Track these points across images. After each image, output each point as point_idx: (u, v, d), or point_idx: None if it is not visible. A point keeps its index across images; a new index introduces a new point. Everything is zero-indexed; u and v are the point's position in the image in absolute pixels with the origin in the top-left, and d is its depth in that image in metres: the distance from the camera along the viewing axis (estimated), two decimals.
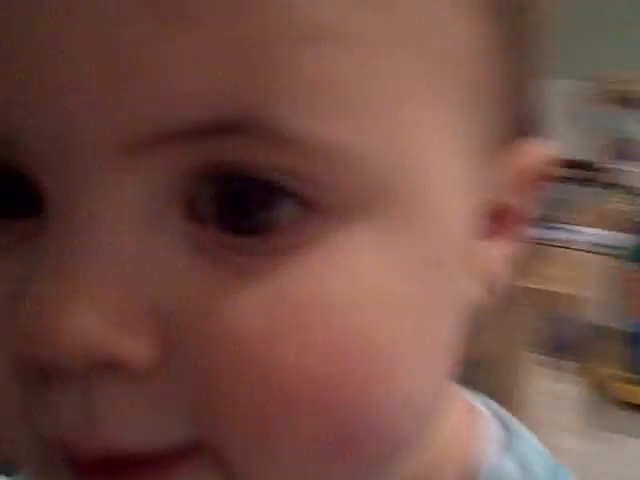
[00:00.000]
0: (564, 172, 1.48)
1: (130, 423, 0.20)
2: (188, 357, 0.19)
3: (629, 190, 2.36)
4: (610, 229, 2.11)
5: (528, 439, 0.31)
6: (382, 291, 0.20)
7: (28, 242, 0.21)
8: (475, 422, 0.30)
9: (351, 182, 0.19)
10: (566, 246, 1.89)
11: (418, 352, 0.21)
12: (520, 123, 0.25)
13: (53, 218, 0.20)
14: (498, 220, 0.25)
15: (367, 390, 0.20)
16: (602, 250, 2.04)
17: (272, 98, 0.18)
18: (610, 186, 2.43)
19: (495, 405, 0.31)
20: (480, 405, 0.31)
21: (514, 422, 0.31)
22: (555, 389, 1.47)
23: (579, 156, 2.26)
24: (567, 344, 1.70)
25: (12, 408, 0.21)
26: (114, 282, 0.19)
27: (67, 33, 0.18)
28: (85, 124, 0.18)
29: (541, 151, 0.25)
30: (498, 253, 0.25)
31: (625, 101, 2.57)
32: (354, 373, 0.20)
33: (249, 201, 0.19)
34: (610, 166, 2.55)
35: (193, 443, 0.20)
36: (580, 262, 1.92)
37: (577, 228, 2.08)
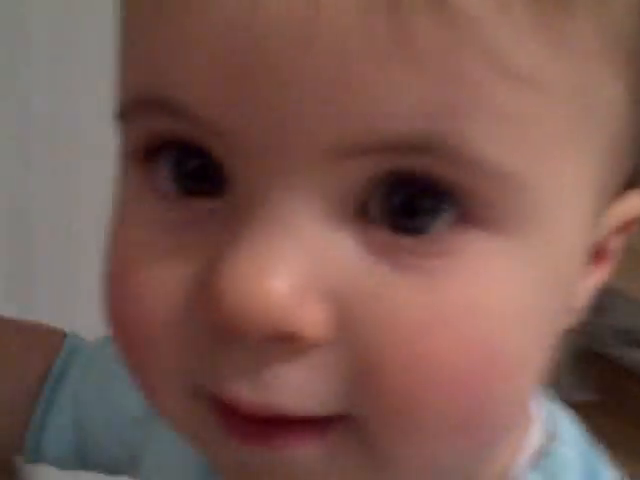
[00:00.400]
0: None
1: (293, 389, 0.23)
2: (356, 335, 0.23)
3: None
4: None
5: (565, 457, 0.31)
6: (517, 302, 0.24)
7: (213, 219, 0.24)
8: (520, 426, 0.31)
9: (510, 203, 0.23)
10: None
11: (532, 359, 0.26)
12: (636, 174, 0.28)
13: (245, 201, 0.23)
14: (595, 259, 0.28)
15: (494, 386, 0.24)
16: None
17: (466, 126, 0.22)
18: None
19: (552, 406, 0.33)
20: (534, 405, 0.32)
21: (564, 428, 0.32)
22: None
23: None
24: None
25: (170, 360, 0.25)
26: (301, 264, 0.22)
27: (309, 59, 0.21)
28: (306, 129, 0.22)
29: None
30: (589, 286, 0.29)
31: None
32: (487, 371, 0.24)
33: (418, 206, 0.23)
34: None
35: (342, 413, 0.23)
36: None
37: None
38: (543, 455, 0.30)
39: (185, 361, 0.24)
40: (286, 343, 0.22)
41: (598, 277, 0.29)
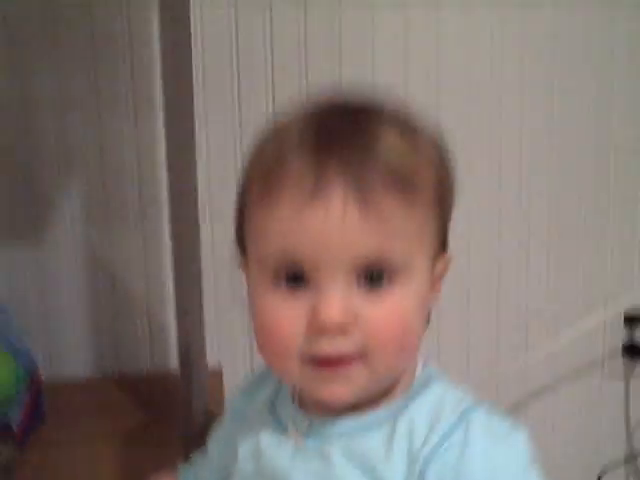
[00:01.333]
0: None
1: (344, 346, 0.56)
2: (365, 326, 0.56)
3: None
4: None
5: (433, 373, 0.64)
6: (413, 308, 0.58)
7: (302, 295, 0.56)
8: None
9: (405, 273, 0.57)
10: None
11: (418, 330, 0.60)
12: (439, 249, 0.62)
13: (313, 286, 0.56)
14: (436, 281, 0.63)
15: (410, 336, 0.58)
16: None
17: (392, 253, 0.56)
18: None
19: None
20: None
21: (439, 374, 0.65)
22: None
23: None
24: None
25: (299, 345, 0.56)
26: (342, 305, 0.55)
27: (326, 230, 0.54)
28: (334, 260, 0.55)
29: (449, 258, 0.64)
30: (431, 303, 0.63)
31: None
32: (407, 331, 0.58)
33: (376, 278, 0.56)
34: None
35: (359, 353, 0.56)
36: None
37: None
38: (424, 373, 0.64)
39: (299, 348, 0.57)
40: (342, 332, 0.55)
41: (432, 298, 0.62)
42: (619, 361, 1.47)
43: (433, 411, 0.59)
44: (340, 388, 0.58)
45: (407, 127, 0.60)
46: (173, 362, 1.28)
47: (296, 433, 0.62)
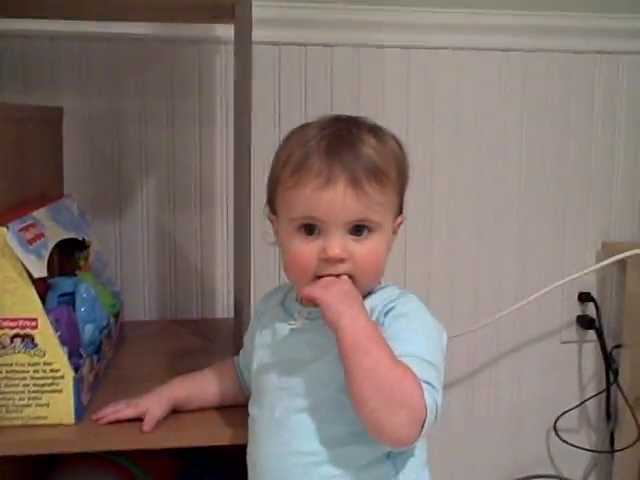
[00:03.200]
0: None
1: (341, 270, 0.90)
2: (354, 259, 0.90)
3: None
4: None
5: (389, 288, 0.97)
6: (382, 248, 0.93)
7: (313, 240, 0.90)
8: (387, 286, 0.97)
9: (378, 227, 0.92)
10: None
11: (383, 263, 0.94)
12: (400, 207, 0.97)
13: (322, 236, 0.90)
14: (395, 231, 0.97)
15: (379, 264, 0.93)
16: None
17: (371, 216, 0.90)
18: None
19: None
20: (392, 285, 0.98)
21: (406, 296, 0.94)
22: None
23: None
24: None
25: (312, 270, 0.90)
26: (341, 246, 0.89)
27: (333, 204, 0.89)
28: (337, 220, 0.89)
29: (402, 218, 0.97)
30: (394, 233, 0.97)
31: None
32: (378, 261, 0.93)
33: (360, 230, 0.91)
34: None
35: (350, 273, 0.90)
36: None
37: None
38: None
39: (312, 271, 0.90)
40: (340, 261, 0.89)
41: (392, 240, 0.95)
42: (573, 329, 1.76)
43: (386, 296, 0.92)
44: None
45: (377, 132, 0.93)
46: (218, 312, 1.62)
47: (300, 318, 0.94)
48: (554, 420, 1.74)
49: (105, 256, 1.39)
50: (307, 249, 0.90)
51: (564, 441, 1.73)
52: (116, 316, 1.31)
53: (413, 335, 0.87)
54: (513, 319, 1.72)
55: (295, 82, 1.60)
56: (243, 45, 1.22)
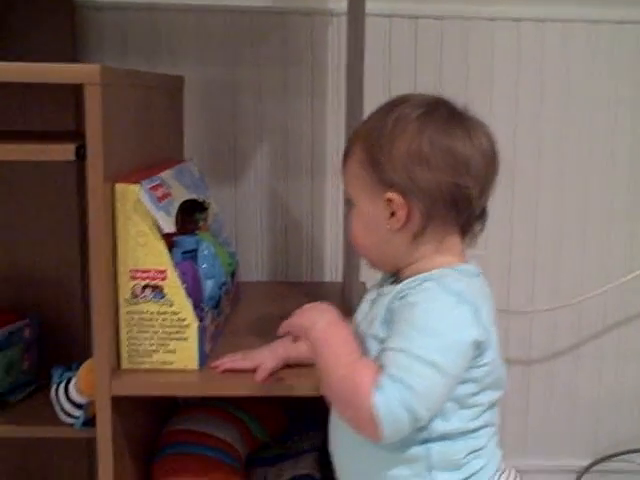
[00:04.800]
0: None
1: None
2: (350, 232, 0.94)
3: None
4: None
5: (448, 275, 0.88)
6: (362, 220, 0.93)
7: None
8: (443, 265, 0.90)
9: (355, 199, 0.93)
10: None
11: (369, 239, 0.94)
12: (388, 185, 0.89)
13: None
14: (391, 217, 0.89)
15: (357, 241, 0.95)
16: None
17: (346, 187, 0.95)
18: None
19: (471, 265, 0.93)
20: (468, 267, 0.92)
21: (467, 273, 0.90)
22: None
23: None
24: None
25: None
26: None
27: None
28: None
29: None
30: (391, 225, 0.90)
31: None
32: (355, 239, 0.95)
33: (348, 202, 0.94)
34: None
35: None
36: None
37: None
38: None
39: None
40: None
41: (394, 222, 0.88)
42: None
43: (411, 283, 0.87)
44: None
45: (379, 109, 0.93)
46: (326, 276, 1.68)
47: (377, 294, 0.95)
48: None
49: (221, 218, 1.46)
50: None
51: None
52: (232, 275, 1.39)
53: (409, 328, 0.83)
54: (620, 293, 1.71)
55: (405, 54, 1.63)
56: (356, 17, 1.26)
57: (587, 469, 1.78)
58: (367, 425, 0.81)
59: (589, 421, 1.79)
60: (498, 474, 0.94)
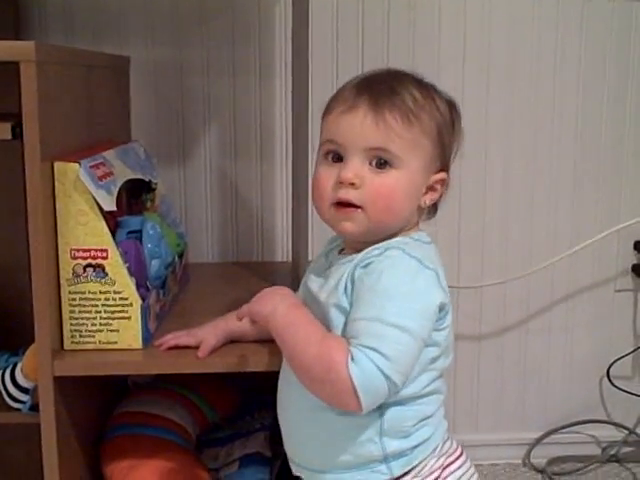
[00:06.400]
0: None
1: (354, 196, 0.91)
2: (367, 187, 0.91)
3: None
4: None
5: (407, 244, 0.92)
6: (402, 186, 0.92)
7: (336, 165, 0.92)
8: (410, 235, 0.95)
9: (398, 161, 0.91)
10: None
11: (405, 205, 0.93)
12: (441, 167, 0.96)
13: (343, 163, 0.92)
14: (426, 192, 0.95)
15: (393, 203, 0.92)
16: None
17: (391, 144, 0.90)
18: None
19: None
20: (422, 235, 0.97)
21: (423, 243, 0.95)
22: None
23: None
24: None
25: (329, 194, 0.92)
26: (355, 173, 0.91)
27: (356, 131, 0.91)
28: (354, 146, 0.91)
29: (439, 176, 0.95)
30: (426, 200, 0.95)
31: None
32: (392, 200, 0.92)
33: (382, 164, 0.91)
34: None
35: (360, 204, 0.91)
36: None
37: None
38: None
39: (332, 195, 0.92)
40: (352, 186, 0.90)
41: (428, 199, 0.95)
42: (628, 278, 1.77)
43: (377, 249, 0.90)
44: (348, 225, 0.91)
45: (424, 86, 0.94)
46: (277, 256, 1.68)
47: (329, 264, 0.97)
48: (607, 367, 1.76)
49: (170, 200, 1.46)
50: (327, 174, 0.92)
51: (617, 387, 1.76)
52: (180, 256, 1.38)
53: (376, 296, 0.85)
54: (567, 266, 1.74)
55: (352, 32, 1.63)
56: None
57: (538, 441, 1.81)
58: (346, 398, 0.82)
59: (539, 394, 1.81)
60: (442, 442, 0.96)
